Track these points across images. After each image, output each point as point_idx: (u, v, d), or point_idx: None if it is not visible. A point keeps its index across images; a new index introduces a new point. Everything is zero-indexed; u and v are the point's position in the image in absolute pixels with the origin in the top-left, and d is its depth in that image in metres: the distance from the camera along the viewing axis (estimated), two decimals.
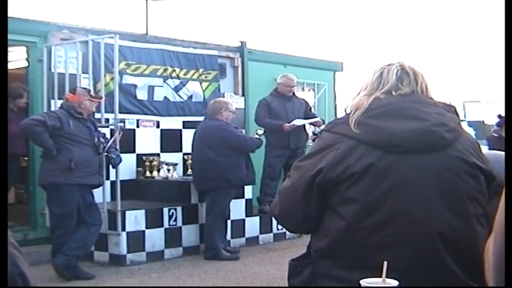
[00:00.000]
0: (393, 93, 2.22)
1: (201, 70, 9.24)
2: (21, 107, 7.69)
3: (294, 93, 9.02)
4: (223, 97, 9.14)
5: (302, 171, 2.22)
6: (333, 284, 2.16)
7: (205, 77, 9.30)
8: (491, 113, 15.93)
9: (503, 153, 0.98)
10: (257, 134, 7.97)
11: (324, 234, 2.20)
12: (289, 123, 8.50)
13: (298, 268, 2.31)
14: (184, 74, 9.06)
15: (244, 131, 9.19)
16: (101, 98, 7.08)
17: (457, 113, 2.27)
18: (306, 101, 9.24)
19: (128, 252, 7.11)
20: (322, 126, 9.02)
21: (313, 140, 3.04)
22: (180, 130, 8.98)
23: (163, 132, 8.86)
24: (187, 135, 8.12)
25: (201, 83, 9.26)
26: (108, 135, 7.10)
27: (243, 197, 8.30)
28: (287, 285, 2.38)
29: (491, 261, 1.07)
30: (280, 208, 2.32)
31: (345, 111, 2.27)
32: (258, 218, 8.51)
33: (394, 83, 2.24)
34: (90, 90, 6.88)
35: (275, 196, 2.40)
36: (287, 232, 8.77)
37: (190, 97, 9.13)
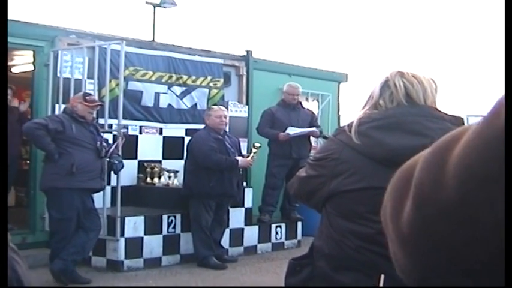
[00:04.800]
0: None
1: (207, 78, 9.28)
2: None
3: (301, 104, 8.99)
4: (227, 105, 9.16)
5: (312, 182, 2.29)
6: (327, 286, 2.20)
7: (209, 84, 9.34)
8: None
9: None
10: (254, 147, 7.88)
11: (320, 234, 2.25)
12: (283, 132, 8.46)
13: (297, 268, 2.33)
14: (190, 82, 9.10)
15: (246, 140, 9.25)
16: (96, 103, 6.73)
17: (464, 125, 2.28)
18: (312, 112, 9.19)
19: (125, 258, 7.14)
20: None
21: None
22: (183, 138, 8.98)
23: (166, 139, 8.89)
24: None
25: (209, 90, 9.30)
26: (110, 141, 7.13)
27: (243, 206, 8.33)
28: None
29: None
30: (295, 192, 2.44)
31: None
32: (256, 227, 8.53)
33: (403, 96, 2.24)
34: (88, 95, 6.73)
35: (290, 184, 2.47)
36: (285, 242, 8.80)
37: (195, 105, 9.16)
